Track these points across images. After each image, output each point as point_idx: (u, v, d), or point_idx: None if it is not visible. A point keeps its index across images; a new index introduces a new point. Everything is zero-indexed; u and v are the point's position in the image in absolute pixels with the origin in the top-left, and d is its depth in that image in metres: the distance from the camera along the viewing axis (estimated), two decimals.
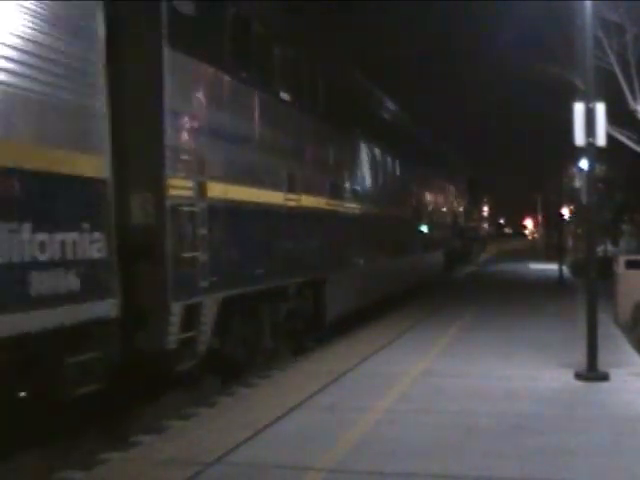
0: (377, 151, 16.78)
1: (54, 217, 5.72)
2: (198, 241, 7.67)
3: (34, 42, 5.63)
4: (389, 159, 18.19)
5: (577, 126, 8.93)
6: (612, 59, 16.09)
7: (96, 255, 6.18)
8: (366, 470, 5.63)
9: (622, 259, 15.72)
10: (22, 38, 5.53)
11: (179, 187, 7.49)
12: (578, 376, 8.79)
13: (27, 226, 5.35)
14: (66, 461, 6.67)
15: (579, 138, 8.95)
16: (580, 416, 7.15)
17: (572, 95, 13.35)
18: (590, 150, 9.05)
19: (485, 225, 60.43)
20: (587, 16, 8.99)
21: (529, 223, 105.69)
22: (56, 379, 5.99)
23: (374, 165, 16.52)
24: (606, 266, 16.23)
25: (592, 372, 8.77)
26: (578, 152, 14.90)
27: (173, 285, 7.22)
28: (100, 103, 6.35)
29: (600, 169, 23.89)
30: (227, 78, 8.83)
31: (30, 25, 5.61)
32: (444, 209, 28.42)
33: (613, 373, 8.81)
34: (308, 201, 11.63)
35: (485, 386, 8.52)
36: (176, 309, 7.25)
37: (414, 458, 5.87)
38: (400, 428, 6.76)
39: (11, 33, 5.44)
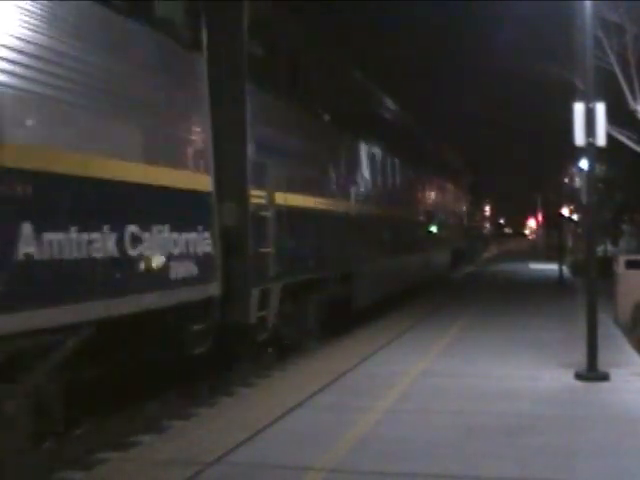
0: (396, 161, 19.02)
1: (182, 221, 7.55)
2: (268, 239, 9.68)
3: (184, 98, 7.97)
4: (405, 168, 20.27)
5: (577, 126, 8.93)
6: (612, 59, 16.10)
7: (207, 250, 8.01)
8: (366, 470, 5.63)
9: (622, 259, 15.72)
10: (173, 97, 7.71)
11: (256, 197, 9.50)
12: (578, 376, 8.79)
13: (167, 227, 7.19)
14: (66, 461, 6.67)
15: (579, 138, 8.95)
16: (580, 416, 7.15)
17: (572, 95, 13.35)
18: (590, 150, 9.05)
19: (487, 225, 63.36)
20: (587, 16, 8.99)
21: (529, 223, 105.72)
22: (183, 341, 7.93)
23: (393, 174, 18.76)
24: (606, 266, 16.24)
25: (592, 372, 8.77)
26: (578, 152, 14.91)
27: (253, 274, 9.26)
28: (208, 136, 8.20)
29: (600, 169, 23.90)
30: (289, 110, 11.22)
31: (176, 85, 7.83)
32: (450, 211, 30.22)
33: (613, 373, 8.81)
34: (342, 206, 13.72)
35: (485, 386, 8.52)
36: (255, 293, 9.29)
37: (414, 458, 5.87)
38: (400, 428, 6.76)
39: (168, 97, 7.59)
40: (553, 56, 16.55)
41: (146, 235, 6.82)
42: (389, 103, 19.33)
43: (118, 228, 6.38)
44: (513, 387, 8.43)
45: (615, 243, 33.70)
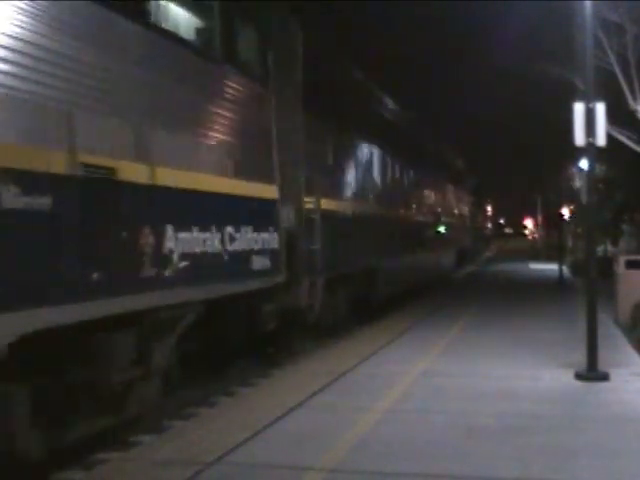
0: (412, 171, 21.65)
1: (260, 224, 9.34)
2: (317, 238, 11.49)
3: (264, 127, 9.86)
4: (418, 175, 22.84)
5: (577, 126, 8.92)
6: (612, 59, 16.10)
7: (275, 246, 9.79)
8: (366, 470, 5.63)
9: (622, 259, 15.72)
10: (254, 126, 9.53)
11: (308, 202, 11.36)
12: (578, 376, 8.79)
13: (250, 228, 9.04)
14: (66, 461, 6.66)
15: (579, 138, 8.95)
16: (580, 416, 7.14)
17: (572, 95, 13.35)
18: (590, 150, 9.05)
19: (489, 225, 66.84)
20: (587, 16, 8.99)
21: (529, 223, 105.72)
22: (259, 319, 9.89)
23: (409, 181, 21.39)
24: (606, 266, 16.24)
25: (592, 372, 8.77)
26: (578, 152, 14.91)
27: (305, 267, 11.04)
28: (275, 154, 9.99)
29: (600, 169, 23.91)
30: (331, 130, 13.32)
31: (255, 116, 9.62)
32: (456, 213, 32.64)
33: (613, 373, 8.82)
34: (368, 209, 15.79)
35: (485, 386, 8.52)
36: (305, 283, 11.09)
37: (414, 458, 5.88)
38: (400, 428, 6.76)
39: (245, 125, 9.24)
40: (553, 56, 16.56)
41: (238, 235, 8.71)
42: (410, 121, 22.38)
43: (220, 229, 8.21)
44: (513, 387, 8.43)
45: (615, 243, 33.69)
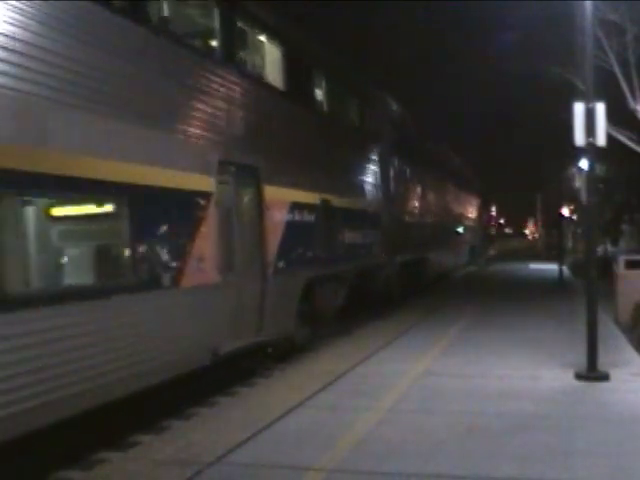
0: (443, 187, 29.39)
1: (375, 226, 16.59)
2: (401, 234, 18.32)
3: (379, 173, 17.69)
4: (447, 189, 30.79)
5: (577, 126, 8.92)
6: (612, 59, 16.10)
7: (380, 239, 16.86)
8: (366, 470, 5.63)
9: (622, 259, 15.72)
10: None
11: (397, 215, 18.85)
12: (578, 376, 8.79)
13: (371, 229, 16.13)
14: (66, 461, 6.67)
15: (579, 138, 8.95)
16: (580, 416, 7.15)
17: (572, 95, 13.35)
18: (590, 150, 9.05)
19: (493, 225, 73.78)
20: (587, 16, 8.99)
21: (529, 223, 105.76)
22: (378, 281, 17.03)
23: (442, 194, 29.08)
24: (606, 266, 16.24)
25: (592, 372, 8.77)
26: (578, 152, 14.91)
27: (392, 252, 18.09)
28: (379, 181, 17.31)
29: (600, 169, 23.91)
30: (404, 164, 20.24)
31: (374, 160, 17.37)
32: (467, 215, 38.58)
33: (613, 373, 8.82)
34: (423, 216, 23.52)
35: (485, 386, 8.52)
36: (393, 263, 18.33)
37: (414, 458, 5.88)
38: (400, 428, 6.76)
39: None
40: (553, 56, 16.56)
41: (364, 232, 15.81)
42: (445, 151, 30.60)
43: (360, 229, 15.61)
44: (513, 387, 8.43)
45: (615, 243, 33.70)
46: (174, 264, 8.12)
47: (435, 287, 24.07)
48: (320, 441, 6.36)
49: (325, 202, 13.09)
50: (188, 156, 8.59)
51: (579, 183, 34.78)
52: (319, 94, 13.78)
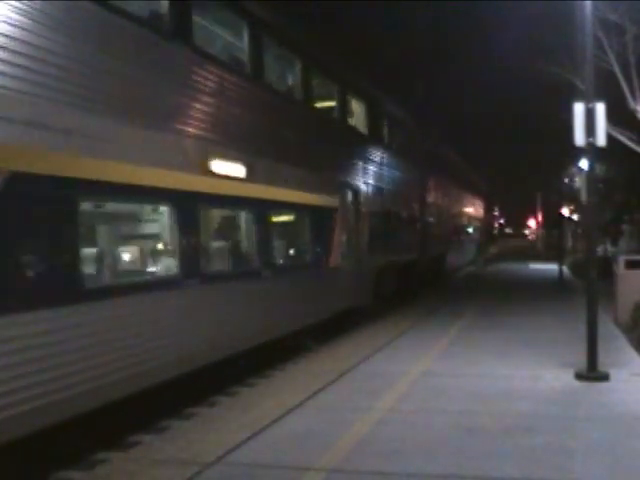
0: (459, 191, 35.12)
1: (413, 230, 21.83)
2: (433, 234, 24.88)
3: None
4: (462, 194, 36.55)
5: (577, 126, 8.92)
6: (612, 59, 16.09)
7: (417, 239, 22.22)
8: (366, 470, 5.63)
9: (622, 259, 15.72)
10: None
11: (424, 216, 23.74)
12: (578, 376, 8.79)
13: (410, 231, 21.37)
14: (66, 461, 6.67)
15: (579, 138, 8.95)
16: (580, 416, 7.15)
17: (572, 95, 13.34)
18: (590, 150, 9.05)
19: (496, 225, 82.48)
20: (587, 16, 8.99)
21: (529, 223, 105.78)
22: (415, 272, 21.91)
23: (459, 199, 35.02)
24: (606, 266, 16.23)
25: (592, 372, 8.77)
26: (578, 152, 14.90)
27: (421, 252, 23.02)
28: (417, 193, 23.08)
29: (600, 169, 23.90)
30: (432, 176, 25.34)
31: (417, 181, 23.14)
32: (475, 216, 43.61)
33: (613, 373, 8.82)
34: (446, 218, 29.09)
35: (485, 386, 8.52)
36: (423, 259, 23.17)
37: (414, 458, 5.88)
38: (400, 428, 6.77)
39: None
40: (553, 56, 16.55)
41: (408, 233, 20.42)
42: (462, 161, 36.72)
43: (406, 231, 20.40)
44: (513, 387, 8.43)
45: (615, 243, 33.68)
46: (324, 252, 13.28)
47: (434, 287, 24.08)
48: (320, 441, 6.36)
49: (389, 211, 18.21)
50: (331, 185, 13.74)
51: (579, 183, 34.77)
52: (400, 141, 20.69)
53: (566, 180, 42.98)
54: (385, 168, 18.06)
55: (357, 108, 16.36)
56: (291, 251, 12.68)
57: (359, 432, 6.62)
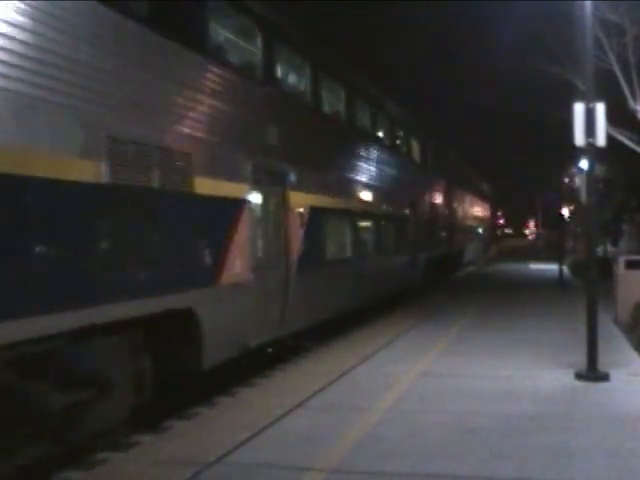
0: (471, 196, 39.60)
1: (443, 229, 27.55)
2: (452, 235, 29.75)
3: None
4: (474, 199, 41.42)
5: (577, 126, 8.92)
6: (612, 59, 16.09)
7: (447, 236, 28.66)
8: (366, 470, 5.63)
9: (622, 259, 15.72)
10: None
11: (450, 219, 29.72)
12: (578, 376, 8.79)
13: (441, 232, 27.42)
14: (66, 461, 6.67)
15: (579, 138, 8.95)
16: (580, 416, 7.15)
17: (572, 95, 13.34)
18: (590, 150, 9.05)
19: (499, 225, 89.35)
20: (587, 16, 9.00)
21: (529, 223, 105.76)
22: (447, 264, 28.50)
23: (471, 202, 39.91)
24: (606, 266, 16.23)
25: (592, 372, 8.77)
26: (578, 152, 14.90)
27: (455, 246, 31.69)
28: (448, 202, 29.50)
29: (600, 169, 23.90)
30: (455, 187, 31.43)
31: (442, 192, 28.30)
32: (484, 218, 48.98)
33: (613, 373, 8.82)
34: (462, 221, 34.32)
35: (485, 386, 8.52)
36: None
37: (414, 458, 5.88)
38: (400, 428, 6.76)
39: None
40: (553, 56, 16.55)
41: (442, 232, 26.68)
42: (475, 169, 42.22)
43: (440, 230, 26.73)
44: (513, 387, 8.43)
45: (615, 243, 33.67)
46: (398, 248, 19.13)
47: (434, 287, 24.06)
48: (320, 441, 6.36)
49: (430, 216, 23.98)
50: (404, 203, 20.51)
51: (579, 183, 34.80)
52: (437, 163, 26.03)
53: (566, 180, 43.01)
54: (426, 185, 24.21)
55: (415, 146, 22.84)
56: (382, 246, 17.56)
57: (359, 432, 6.62)
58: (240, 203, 9.37)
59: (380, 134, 18.18)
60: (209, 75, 8.85)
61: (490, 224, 56.55)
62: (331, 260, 13.27)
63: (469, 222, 38.14)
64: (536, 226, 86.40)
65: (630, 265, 15.32)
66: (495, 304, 18.13)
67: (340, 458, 5.88)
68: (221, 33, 9.81)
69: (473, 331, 13.13)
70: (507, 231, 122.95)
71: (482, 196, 48.23)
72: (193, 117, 8.30)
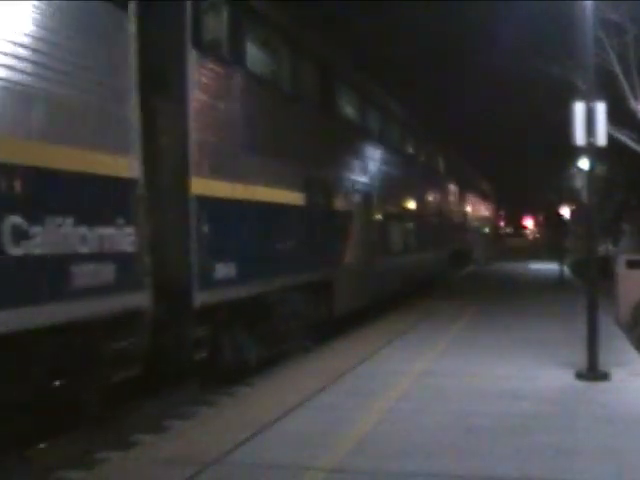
0: (481, 198, 45.06)
1: (462, 229, 35.63)
2: (466, 234, 36.96)
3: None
4: (481, 201, 45.89)
5: (577, 126, 8.92)
6: (612, 59, 16.08)
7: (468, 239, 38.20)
8: (366, 470, 5.63)
9: (622, 259, 15.71)
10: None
11: (465, 219, 37.59)
12: (578, 376, 8.79)
13: (461, 231, 35.41)
14: (66, 461, 6.67)
15: (579, 138, 8.94)
16: (580, 416, 7.14)
17: (572, 95, 13.33)
18: (590, 150, 9.05)
19: (501, 225, 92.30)
20: (587, 16, 8.99)
21: (529, 223, 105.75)
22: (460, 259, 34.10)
23: (481, 205, 45.23)
24: (606, 266, 16.23)
25: (592, 372, 8.77)
26: (578, 152, 14.90)
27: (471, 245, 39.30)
28: (464, 205, 37.45)
29: (600, 169, 23.88)
30: (466, 193, 37.85)
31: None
32: (489, 219, 53.77)
33: (613, 373, 8.82)
34: (474, 222, 41.07)
35: (485, 386, 8.52)
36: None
37: (414, 458, 5.87)
38: (400, 428, 6.76)
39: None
40: (553, 56, 16.54)
41: (462, 232, 34.79)
42: (479, 174, 46.01)
43: (460, 230, 33.93)
44: (513, 387, 8.43)
45: (615, 243, 33.64)
46: (432, 242, 24.90)
47: (434, 288, 24.09)
48: (320, 441, 6.35)
49: (453, 218, 30.02)
50: (438, 208, 27.65)
51: (579, 183, 34.81)
52: (455, 172, 31.81)
53: (566, 180, 42.99)
54: (446, 192, 29.11)
55: (439, 161, 28.15)
56: (424, 243, 22.88)
57: (359, 432, 6.61)
58: (350, 215, 14.65)
59: (425, 160, 25.11)
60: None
61: (494, 224, 62.47)
62: (395, 252, 18.93)
63: (478, 223, 43.81)
64: (536, 226, 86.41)
65: (631, 265, 15.32)
66: (495, 304, 18.13)
67: (340, 458, 5.88)
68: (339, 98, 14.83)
69: (473, 331, 13.13)
70: (507, 231, 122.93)
71: (487, 198, 52.99)
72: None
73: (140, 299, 7.07)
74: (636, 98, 16.66)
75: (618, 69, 16.30)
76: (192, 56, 8.16)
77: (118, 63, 6.93)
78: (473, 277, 31.47)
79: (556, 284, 23.91)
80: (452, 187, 31.01)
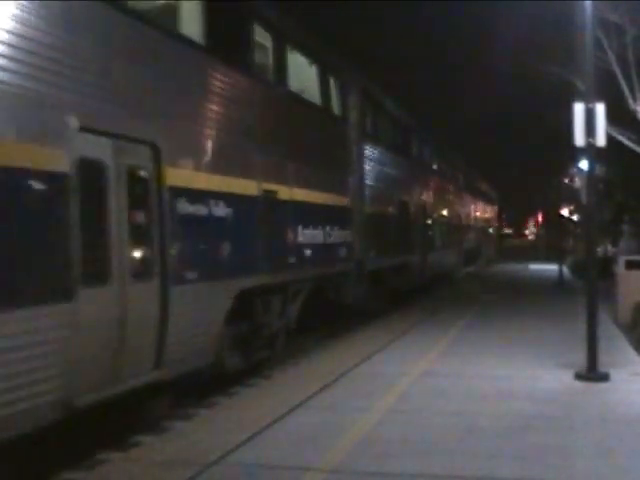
0: (485, 202, 48.55)
1: (475, 230, 41.89)
2: (476, 234, 41.83)
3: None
4: (485, 205, 48.63)
5: (577, 126, 8.92)
6: (612, 59, 16.10)
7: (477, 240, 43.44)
8: (366, 470, 5.63)
9: (622, 259, 15.73)
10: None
11: (475, 222, 42.38)
12: (578, 376, 8.79)
13: (475, 232, 41.69)
14: (66, 461, 6.67)
15: (579, 138, 8.95)
16: (580, 416, 7.15)
17: (572, 95, 13.34)
18: (590, 150, 9.05)
19: (502, 226, 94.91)
20: (587, 16, 9.00)
21: (529, 224, 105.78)
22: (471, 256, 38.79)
23: (486, 207, 48.88)
24: (606, 266, 16.25)
25: (592, 372, 8.77)
26: (578, 152, 14.90)
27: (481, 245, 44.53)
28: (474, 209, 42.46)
29: (600, 169, 23.89)
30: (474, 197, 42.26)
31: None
32: (492, 220, 56.68)
33: (613, 373, 8.82)
34: (481, 223, 45.94)
35: (485, 386, 8.52)
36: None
37: (414, 458, 5.88)
38: (400, 428, 6.77)
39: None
40: (553, 56, 16.55)
41: (475, 233, 41.43)
42: (483, 179, 49.21)
43: (474, 231, 40.74)
44: (513, 387, 8.43)
45: (615, 243, 33.65)
46: (452, 240, 29.96)
47: (434, 288, 24.08)
48: (320, 441, 6.36)
49: (469, 222, 35.22)
50: (470, 215, 38.35)
51: (579, 183, 34.85)
52: (467, 180, 36.65)
53: (566, 180, 43.04)
54: (461, 197, 33.77)
55: (456, 173, 32.82)
56: (448, 242, 27.72)
57: (359, 432, 6.62)
58: (415, 221, 21.69)
59: (452, 175, 30.97)
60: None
61: (497, 224, 66.92)
62: (436, 248, 24.54)
63: (484, 224, 47.99)
64: (536, 226, 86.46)
65: (630, 265, 15.34)
66: (495, 304, 18.13)
67: (340, 458, 5.88)
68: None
69: (473, 331, 13.13)
70: (507, 231, 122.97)
71: (491, 201, 57.61)
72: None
73: (351, 265, 14.17)
74: (635, 98, 16.68)
75: (617, 70, 16.31)
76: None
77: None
78: (473, 277, 31.45)
79: (556, 284, 23.92)
80: (469, 197, 38.08)
